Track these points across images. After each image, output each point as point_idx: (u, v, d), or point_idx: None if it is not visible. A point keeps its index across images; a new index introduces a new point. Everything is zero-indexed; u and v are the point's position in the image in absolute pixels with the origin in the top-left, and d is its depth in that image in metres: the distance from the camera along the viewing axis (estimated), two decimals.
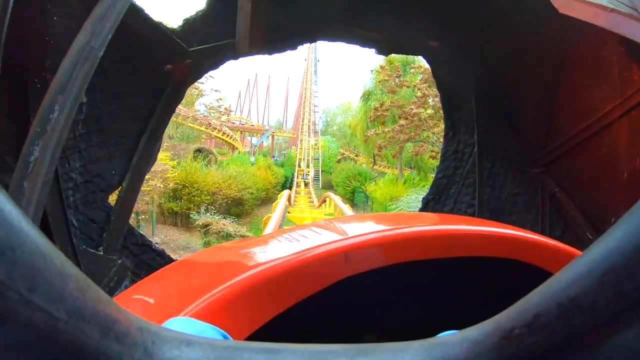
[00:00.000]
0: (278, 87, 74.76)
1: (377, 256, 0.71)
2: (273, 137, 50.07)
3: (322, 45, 75.57)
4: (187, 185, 15.14)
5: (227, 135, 38.14)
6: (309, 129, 36.06)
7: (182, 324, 0.41)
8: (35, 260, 0.19)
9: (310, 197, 22.81)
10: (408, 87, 19.02)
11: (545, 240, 0.87)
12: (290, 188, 26.42)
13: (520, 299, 0.26)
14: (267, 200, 22.41)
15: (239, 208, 17.29)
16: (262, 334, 0.60)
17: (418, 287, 0.85)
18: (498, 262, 0.79)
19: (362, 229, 0.88)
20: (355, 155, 45.52)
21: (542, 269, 0.80)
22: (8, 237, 0.18)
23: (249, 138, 52.68)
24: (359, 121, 30.00)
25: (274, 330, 0.61)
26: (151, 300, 0.64)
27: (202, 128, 33.16)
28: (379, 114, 19.58)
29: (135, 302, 0.63)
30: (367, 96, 27.57)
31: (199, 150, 28.88)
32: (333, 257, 0.68)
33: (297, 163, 30.28)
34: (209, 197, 15.30)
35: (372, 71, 24.68)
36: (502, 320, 0.26)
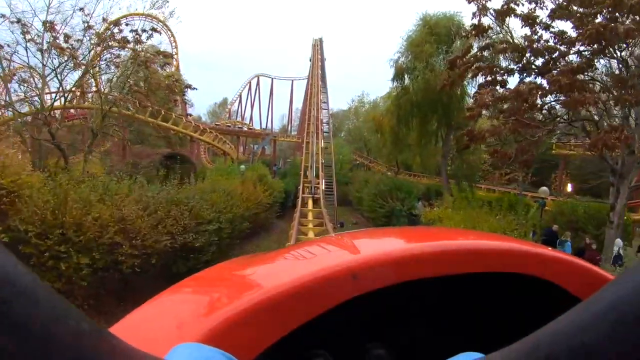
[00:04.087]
0: (282, 91, 66.58)
1: (387, 274, 0.66)
2: (275, 142, 41.40)
3: (328, 44, 67.13)
4: (50, 227, 6.16)
5: (217, 140, 29.38)
6: (316, 129, 27.03)
7: (190, 350, 0.39)
8: (51, 326, 0.18)
9: (323, 225, 13.72)
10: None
11: (555, 253, 0.78)
12: (294, 206, 17.29)
13: (531, 334, 0.25)
14: (254, 233, 13.51)
15: (189, 263, 8.29)
16: (269, 355, 0.57)
17: (428, 304, 0.80)
18: (509, 277, 0.72)
19: (372, 245, 0.82)
20: (370, 162, 36.92)
21: (552, 283, 0.71)
22: (20, 307, 0.17)
23: (252, 145, 44.92)
24: (387, 113, 21.16)
25: (281, 351, 0.59)
26: (158, 323, 0.59)
27: (180, 129, 24.35)
28: (471, 66, 10.43)
29: (143, 324, 0.60)
30: (400, 74, 18.53)
31: (170, 157, 20.25)
32: (340, 277, 0.63)
33: (302, 172, 21.15)
34: (101, 257, 6.32)
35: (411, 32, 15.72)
36: (511, 355, 0.25)
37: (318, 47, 47.41)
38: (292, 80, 63.46)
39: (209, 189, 11.11)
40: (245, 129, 45.52)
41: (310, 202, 17.48)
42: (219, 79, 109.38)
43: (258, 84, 62.84)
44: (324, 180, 19.94)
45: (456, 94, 18.08)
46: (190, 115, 25.84)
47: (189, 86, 16.53)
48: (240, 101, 60.52)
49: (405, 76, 18.48)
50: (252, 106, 61.82)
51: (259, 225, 14.12)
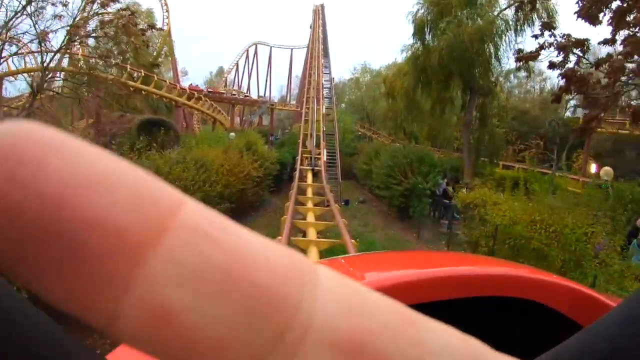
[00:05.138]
0: (280, 61, 62.80)
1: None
2: (273, 112, 38.10)
3: (329, 12, 62.71)
4: None
5: (208, 107, 26.10)
6: (317, 93, 23.74)
7: None
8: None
9: (325, 205, 10.68)
10: None
11: (547, 277, 0.77)
12: (290, 179, 14.21)
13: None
14: (241, 213, 10.52)
15: None
16: None
17: None
18: (503, 301, 0.71)
19: (372, 270, 0.84)
20: (373, 133, 33.79)
21: (545, 306, 0.70)
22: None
23: (249, 116, 41.79)
24: (399, 73, 17.93)
25: None
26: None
27: (162, 92, 21.08)
28: None
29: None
30: (421, 29, 15.20)
31: (149, 124, 17.05)
32: None
33: (301, 141, 17.98)
34: None
35: None
36: None
37: (319, 12, 43.99)
38: (292, 49, 59.76)
39: (175, 160, 8.10)
40: (240, 97, 41.97)
41: (309, 175, 14.41)
42: (216, 48, 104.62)
43: (256, 52, 59.10)
44: (325, 150, 16.85)
45: (484, 53, 14.94)
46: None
47: (152, 26, 13.25)
48: (237, 70, 56.78)
49: (426, 31, 15.21)
50: (249, 75, 58.26)
51: (246, 203, 11.13)
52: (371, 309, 0.11)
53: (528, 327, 0.73)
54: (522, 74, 17.94)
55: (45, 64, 10.29)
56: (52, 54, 10.43)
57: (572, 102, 28.68)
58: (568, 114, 29.10)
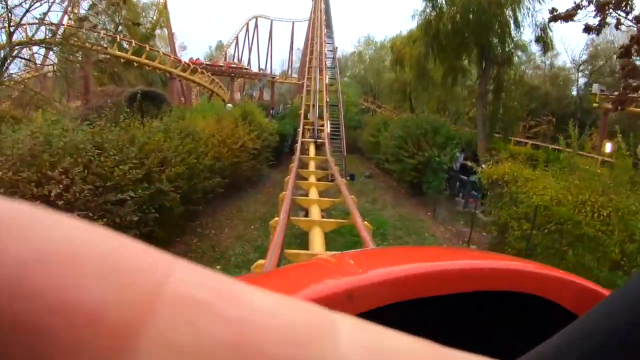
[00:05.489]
0: (282, 35, 60.46)
1: (383, 294, 0.63)
2: (273, 85, 36.61)
3: None
4: None
5: (206, 79, 24.63)
6: (320, 63, 22.24)
7: None
8: None
9: (330, 179, 9.47)
10: None
11: (550, 271, 0.74)
12: (291, 152, 13.01)
13: (527, 352, 0.24)
14: (236, 188, 9.41)
15: None
16: None
17: (424, 323, 0.71)
18: (504, 295, 0.70)
19: (370, 265, 0.78)
20: (377, 107, 32.44)
21: (547, 300, 0.69)
22: None
23: (250, 90, 40.27)
24: (409, 40, 16.49)
25: None
26: None
27: (156, 64, 19.71)
28: None
29: None
30: None
31: (143, 96, 15.78)
32: (334, 299, 0.60)
33: (302, 112, 16.65)
34: None
35: None
36: None
37: None
38: (293, 22, 57.55)
39: (156, 129, 6.90)
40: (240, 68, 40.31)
41: (312, 148, 13.18)
42: (216, 23, 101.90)
43: (256, 25, 56.84)
44: (328, 122, 15.55)
45: (502, 18, 13.45)
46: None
47: None
48: (237, 44, 54.67)
49: None
50: (249, 49, 56.15)
51: (242, 178, 9.98)
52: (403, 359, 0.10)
53: (532, 323, 0.69)
54: (534, 49, 16.48)
55: (11, 31, 9.17)
56: (21, 19, 9.30)
57: (582, 81, 27.28)
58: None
